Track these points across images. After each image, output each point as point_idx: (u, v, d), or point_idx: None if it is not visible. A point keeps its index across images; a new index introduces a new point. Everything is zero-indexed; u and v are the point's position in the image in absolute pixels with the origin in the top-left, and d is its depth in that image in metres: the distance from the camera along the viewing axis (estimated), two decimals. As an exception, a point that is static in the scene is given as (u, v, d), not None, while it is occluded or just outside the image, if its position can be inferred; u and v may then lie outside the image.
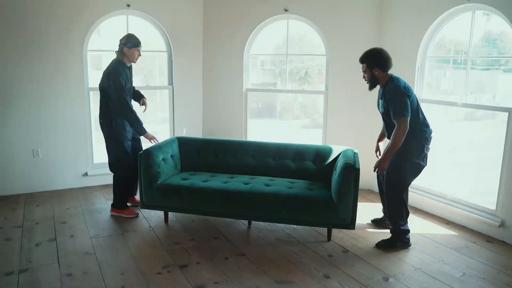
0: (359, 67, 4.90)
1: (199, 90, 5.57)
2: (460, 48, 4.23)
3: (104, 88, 3.96)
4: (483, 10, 3.86)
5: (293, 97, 6.06)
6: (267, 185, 3.72)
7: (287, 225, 3.99)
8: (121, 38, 3.99)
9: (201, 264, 3.22)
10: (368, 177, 4.52)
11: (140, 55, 4.02)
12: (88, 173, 5.07)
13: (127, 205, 4.27)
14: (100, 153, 5.30)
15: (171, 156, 4.16)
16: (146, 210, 4.33)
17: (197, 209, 3.80)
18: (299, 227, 3.94)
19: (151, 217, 4.15)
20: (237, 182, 3.79)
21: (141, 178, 3.82)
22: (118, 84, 3.85)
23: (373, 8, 4.78)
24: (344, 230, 3.87)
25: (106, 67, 4.01)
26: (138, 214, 4.19)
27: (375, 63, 3.41)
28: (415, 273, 3.12)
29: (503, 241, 3.69)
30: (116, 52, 4.01)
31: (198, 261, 3.26)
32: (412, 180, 3.54)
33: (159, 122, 5.96)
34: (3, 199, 4.60)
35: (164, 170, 3.93)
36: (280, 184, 3.75)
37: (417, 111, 3.42)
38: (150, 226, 3.93)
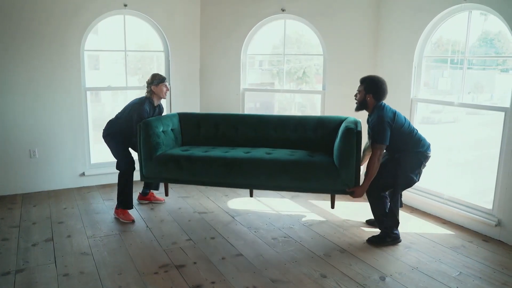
0: (357, 67, 4.92)
1: (197, 89, 5.57)
2: (457, 48, 4.24)
3: (122, 115, 4.07)
4: (480, 10, 3.87)
5: (291, 97, 6.07)
6: (268, 154, 3.70)
7: (284, 225, 4.00)
8: (147, 80, 4.10)
9: (198, 264, 3.22)
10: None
11: (168, 89, 4.13)
12: (85, 173, 5.06)
13: (132, 206, 4.20)
14: (97, 153, 5.30)
15: (172, 129, 4.15)
16: (145, 210, 4.33)
17: (196, 179, 3.75)
18: (296, 226, 3.95)
19: (148, 217, 4.14)
20: (238, 152, 3.76)
21: (140, 149, 3.80)
22: (139, 114, 3.90)
23: (370, 8, 4.78)
24: (341, 230, 3.88)
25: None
26: (133, 220, 4.08)
27: (372, 90, 3.50)
28: (412, 273, 3.13)
29: (499, 241, 3.70)
30: (146, 93, 4.10)
31: (195, 261, 3.26)
32: (401, 191, 3.64)
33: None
34: (0, 199, 4.60)
35: (164, 141, 3.90)
36: (281, 153, 3.71)
37: (409, 132, 3.51)
38: (147, 226, 3.93)
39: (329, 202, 4.71)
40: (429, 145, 3.56)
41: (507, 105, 3.64)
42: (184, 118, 4.35)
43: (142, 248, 3.49)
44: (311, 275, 3.08)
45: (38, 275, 3.02)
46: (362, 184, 3.50)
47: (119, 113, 4.13)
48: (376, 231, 3.76)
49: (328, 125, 4.02)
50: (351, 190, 3.50)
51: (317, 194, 4.57)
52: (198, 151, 3.82)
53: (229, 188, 5.04)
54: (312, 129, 4.07)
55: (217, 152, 3.76)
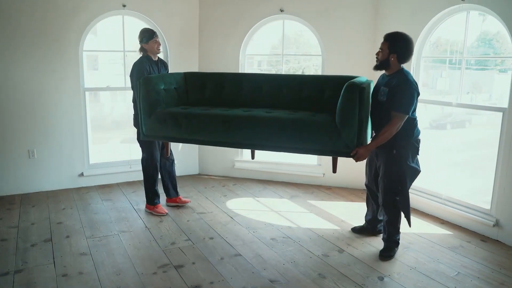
0: (355, 67, 4.89)
1: (196, 90, 5.56)
2: (456, 48, 4.25)
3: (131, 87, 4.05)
4: (478, 10, 3.88)
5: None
6: (268, 112, 3.44)
7: (282, 225, 4.00)
8: (137, 36, 4.04)
9: (196, 264, 3.22)
10: (363, 175, 4.52)
11: (160, 44, 4.04)
12: (84, 174, 5.06)
13: (157, 202, 4.26)
14: (96, 154, 5.31)
15: (175, 88, 3.93)
16: (143, 211, 4.33)
17: (194, 137, 3.60)
18: (294, 226, 3.95)
19: (147, 218, 4.15)
20: (237, 111, 3.53)
21: (140, 106, 3.70)
22: (138, 72, 3.89)
23: (368, 8, 4.79)
24: (339, 230, 3.88)
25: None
26: (167, 212, 4.22)
27: (398, 50, 3.12)
28: (410, 273, 3.13)
29: (497, 241, 3.71)
30: (139, 51, 4.06)
31: (193, 261, 3.27)
32: (410, 185, 3.36)
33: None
34: (-2, 199, 4.60)
35: (164, 99, 3.73)
36: (281, 112, 3.44)
37: (414, 118, 3.27)
38: (146, 226, 3.93)
39: (328, 202, 4.70)
40: (420, 132, 3.35)
41: (505, 105, 3.65)
42: (191, 78, 4.08)
43: (141, 248, 3.49)
44: (309, 275, 3.08)
45: (37, 275, 3.02)
46: (367, 145, 3.15)
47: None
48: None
49: (342, 85, 3.33)
50: (354, 152, 3.08)
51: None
52: (197, 109, 3.62)
53: (228, 188, 5.05)
54: (324, 89, 3.67)
55: (216, 110, 3.55)
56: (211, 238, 3.70)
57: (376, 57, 3.24)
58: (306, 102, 3.67)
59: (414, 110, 3.21)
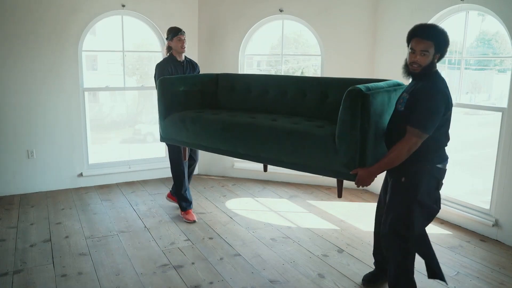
0: (354, 68, 4.86)
1: (195, 90, 5.56)
2: (455, 48, 4.25)
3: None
4: (477, 10, 3.88)
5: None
6: (273, 120, 3.04)
7: (282, 225, 4.00)
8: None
9: (196, 264, 3.22)
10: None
11: (183, 41, 3.90)
12: (83, 174, 5.06)
13: (185, 207, 4.11)
14: (95, 154, 5.30)
15: (200, 90, 3.72)
16: (142, 210, 4.33)
17: (198, 142, 3.39)
18: (293, 226, 3.95)
19: (146, 218, 4.14)
20: (242, 117, 3.20)
21: (158, 108, 3.59)
22: (160, 73, 3.84)
23: (367, 8, 4.79)
24: (339, 230, 3.88)
25: None
26: (195, 220, 4.04)
27: (443, 50, 2.42)
28: (410, 273, 3.13)
29: (497, 240, 3.71)
30: (166, 51, 4.01)
31: (193, 262, 3.26)
32: (421, 227, 2.56)
33: (155, 122, 5.95)
34: (-3, 200, 4.60)
35: (183, 101, 3.56)
36: (284, 121, 3.01)
37: (446, 131, 2.50)
38: (145, 227, 3.93)
39: (327, 202, 4.70)
40: (447, 160, 2.58)
41: (505, 105, 3.66)
42: (222, 79, 3.84)
43: (140, 248, 3.49)
44: (309, 275, 3.08)
45: (36, 276, 3.02)
46: (370, 167, 2.46)
47: None
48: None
49: None
50: (354, 171, 2.48)
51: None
52: (207, 114, 3.38)
53: (227, 188, 5.05)
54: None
55: (223, 115, 3.29)
56: (211, 238, 3.70)
57: (415, 64, 2.41)
58: (330, 108, 3.10)
59: (442, 128, 2.44)
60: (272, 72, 5.87)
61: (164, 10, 5.17)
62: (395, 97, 2.64)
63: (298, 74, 5.90)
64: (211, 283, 2.95)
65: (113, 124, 6.76)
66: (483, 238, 3.76)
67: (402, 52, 4.42)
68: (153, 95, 5.81)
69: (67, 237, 3.69)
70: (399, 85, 2.75)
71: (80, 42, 4.83)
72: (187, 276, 3.04)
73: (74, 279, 2.98)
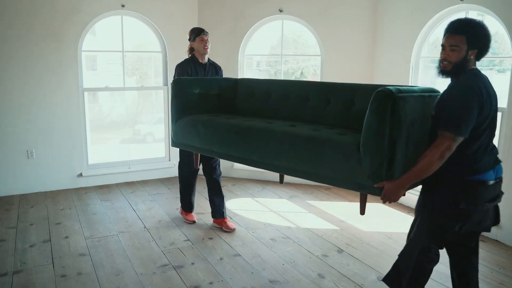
0: (354, 68, 4.84)
1: (195, 90, 5.56)
2: (454, 48, 4.24)
3: None
4: (477, 10, 3.88)
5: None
6: (291, 126, 2.79)
7: (281, 225, 4.00)
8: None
9: (196, 265, 3.22)
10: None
11: (206, 41, 3.72)
12: (83, 174, 5.05)
13: (190, 209, 4.07)
14: (95, 154, 5.30)
15: (217, 94, 3.51)
16: (142, 211, 4.32)
17: (208, 147, 3.14)
18: (293, 226, 3.95)
19: (146, 218, 4.14)
20: (258, 122, 2.98)
21: (171, 110, 3.41)
22: (178, 74, 3.71)
23: (367, 8, 4.79)
24: (339, 230, 3.88)
25: None
26: (195, 221, 4.04)
27: (480, 44, 2.13)
28: (410, 273, 3.13)
29: (496, 240, 3.71)
30: (188, 52, 3.87)
31: (193, 262, 3.26)
32: (429, 243, 2.29)
33: (155, 122, 5.95)
34: (-3, 200, 4.59)
35: (197, 104, 3.35)
36: (304, 128, 2.73)
37: (479, 136, 2.13)
38: (144, 227, 3.93)
39: (327, 203, 4.69)
40: (497, 168, 2.21)
41: (504, 105, 3.66)
42: (242, 85, 3.61)
43: (140, 248, 3.48)
44: (309, 275, 3.08)
45: (36, 276, 3.01)
46: (396, 180, 2.13)
47: None
48: (376, 231, 3.76)
49: None
50: (381, 184, 2.16)
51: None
52: (223, 118, 3.16)
53: (227, 188, 5.04)
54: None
55: (237, 120, 3.07)
56: (210, 238, 3.70)
57: (445, 61, 2.17)
58: (356, 116, 2.76)
59: (477, 129, 2.11)
60: (272, 72, 5.88)
61: (164, 10, 5.17)
62: (430, 104, 2.31)
63: (297, 74, 5.90)
64: (211, 283, 2.95)
65: (113, 124, 6.76)
66: (482, 238, 3.75)
67: (402, 52, 4.45)
68: (153, 95, 5.82)
69: (66, 237, 3.68)
70: (434, 91, 2.45)
71: (79, 42, 4.83)
72: (187, 276, 3.04)
73: (73, 280, 2.97)
